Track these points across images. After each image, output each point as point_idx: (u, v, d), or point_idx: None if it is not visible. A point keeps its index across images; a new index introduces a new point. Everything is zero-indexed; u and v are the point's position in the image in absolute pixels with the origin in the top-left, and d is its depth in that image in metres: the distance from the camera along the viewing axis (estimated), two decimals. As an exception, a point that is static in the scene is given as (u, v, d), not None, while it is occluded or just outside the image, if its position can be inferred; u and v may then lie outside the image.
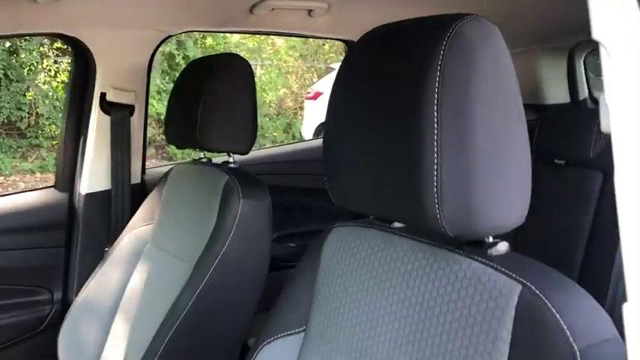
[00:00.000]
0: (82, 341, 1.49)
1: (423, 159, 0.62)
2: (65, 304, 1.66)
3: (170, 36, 1.69)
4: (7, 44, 6.08)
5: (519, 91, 0.67)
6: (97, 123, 1.67)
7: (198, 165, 1.50)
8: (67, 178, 1.71)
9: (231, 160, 1.41)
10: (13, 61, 6.35)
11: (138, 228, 1.56)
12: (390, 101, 0.68)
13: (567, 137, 1.58)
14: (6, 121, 6.32)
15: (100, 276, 1.53)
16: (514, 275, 0.64)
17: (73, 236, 1.70)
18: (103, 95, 1.64)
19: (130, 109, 1.69)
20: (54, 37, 1.56)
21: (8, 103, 6.27)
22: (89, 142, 1.68)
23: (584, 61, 2.38)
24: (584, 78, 2.37)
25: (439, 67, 0.62)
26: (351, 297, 0.81)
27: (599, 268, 1.45)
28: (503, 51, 0.65)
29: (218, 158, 1.52)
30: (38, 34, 1.54)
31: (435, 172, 0.62)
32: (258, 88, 6.76)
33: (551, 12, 1.73)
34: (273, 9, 1.63)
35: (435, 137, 0.62)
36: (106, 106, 1.65)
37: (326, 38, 2.80)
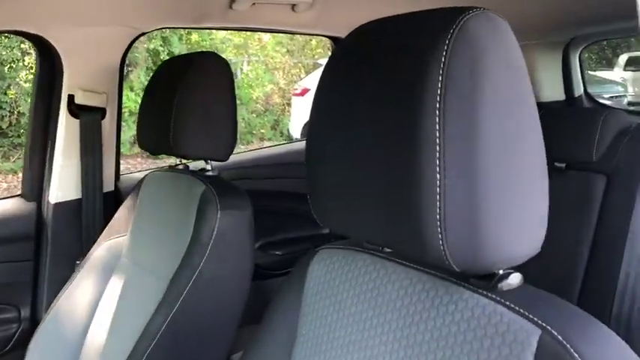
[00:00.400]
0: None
1: (423, 178, 0.52)
2: (34, 322, 1.55)
3: (143, 33, 1.58)
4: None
5: (533, 96, 0.57)
6: (66, 127, 1.55)
7: (174, 172, 1.39)
8: (35, 186, 1.59)
9: (208, 167, 1.31)
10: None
11: (111, 240, 1.45)
12: (383, 109, 0.58)
13: (568, 139, 1.49)
14: (-14, 120, 6.16)
15: (70, 292, 1.42)
16: (531, 316, 0.54)
17: (42, 249, 1.58)
18: (71, 97, 1.53)
19: (101, 111, 1.57)
20: (15, 34, 1.44)
21: (-11, 101, 6.10)
22: (57, 148, 1.57)
23: (579, 57, 2.30)
24: (580, 74, 2.29)
25: (442, 70, 0.52)
26: (339, 332, 0.71)
27: (603, 279, 1.36)
28: (516, 50, 0.55)
29: (197, 164, 1.41)
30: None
31: (438, 196, 0.52)
32: (245, 85, 6.66)
33: (546, 6, 1.64)
34: (253, 4, 1.52)
35: (438, 153, 0.51)
36: (75, 109, 1.54)
37: (310, 34, 2.70)
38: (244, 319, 1.25)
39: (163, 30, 7.24)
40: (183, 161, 1.41)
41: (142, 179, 1.46)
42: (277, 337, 0.81)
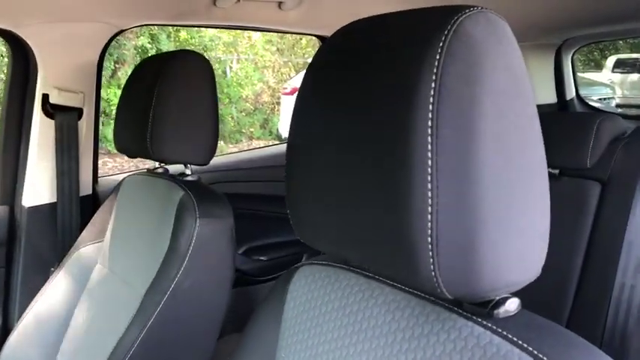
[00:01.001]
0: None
1: (413, 196, 0.47)
2: (5, 332, 1.48)
3: (122, 30, 1.51)
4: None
5: (535, 104, 0.52)
6: (40, 128, 1.48)
7: (152, 176, 1.32)
8: (8, 189, 1.52)
9: (188, 171, 1.24)
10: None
11: (87, 246, 1.39)
12: (368, 118, 0.52)
13: (562, 144, 1.44)
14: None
15: (44, 299, 1.36)
16: (530, 348, 0.49)
17: (15, 255, 1.51)
18: (45, 97, 1.46)
19: (77, 112, 1.51)
20: (-15, 31, 1.37)
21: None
22: (31, 150, 1.49)
23: (571, 60, 2.26)
24: (572, 77, 2.25)
25: (435, 74, 0.46)
26: (320, 358, 0.65)
27: (597, 289, 1.31)
28: (517, 54, 0.50)
29: (177, 166, 1.34)
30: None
31: (430, 216, 0.46)
32: (234, 83, 6.59)
33: (538, 7, 1.60)
34: (238, 1, 1.46)
35: (430, 168, 0.46)
36: (50, 109, 1.47)
37: (298, 33, 2.64)
38: (228, 327, 1.19)
39: (151, 27, 7.16)
40: (163, 164, 1.34)
41: (120, 182, 1.40)
42: (253, 355, 0.75)
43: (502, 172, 0.47)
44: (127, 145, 1.28)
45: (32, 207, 1.51)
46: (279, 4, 1.55)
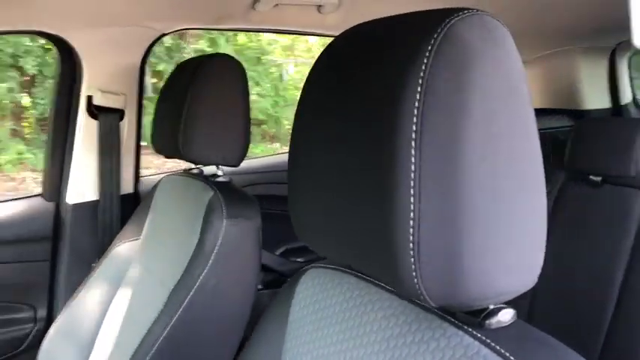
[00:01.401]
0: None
1: (395, 202, 0.46)
2: (49, 323, 1.54)
3: (164, 34, 1.55)
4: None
5: (533, 112, 0.49)
6: (84, 128, 1.54)
7: (187, 177, 1.35)
8: (54, 187, 1.59)
9: (219, 172, 1.27)
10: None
11: (124, 243, 1.44)
12: (360, 120, 0.52)
13: (606, 150, 1.37)
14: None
15: (83, 294, 1.42)
16: None
17: (59, 250, 1.58)
18: (90, 98, 1.52)
19: (119, 113, 1.56)
20: (36, 35, 1.44)
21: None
22: (76, 149, 1.56)
23: (628, 63, 2.15)
24: (628, 81, 2.15)
25: (422, 78, 0.45)
26: (321, 353, 0.65)
27: (638, 304, 1.25)
28: (514, 61, 0.48)
29: (211, 168, 1.37)
30: (18, 32, 1.42)
31: (412, 222, 0.45)
32: (290, 86, 6.66)
33: (589, 8, 1.53)
34: (277, 4, 1.47)
35: (412, 173, 0.45)
36: (94, 110, 1.53)
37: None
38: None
39: (210, 32, 7.32)
40: (199, 165, 1.37)
41: (158, 182, 1.44)
42: (260, 355, 0.76)
43: (489, 180, 0.45)
44: (162, 146, 1.31)
45: (76, 204, 1.57)
46: (318, 8, 1.55)
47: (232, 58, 1.24)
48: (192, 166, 1.37)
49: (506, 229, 0.47)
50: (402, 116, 0.46)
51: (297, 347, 0.69)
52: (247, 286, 1.15)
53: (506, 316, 0.51)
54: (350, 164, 0.52)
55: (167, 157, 1.34)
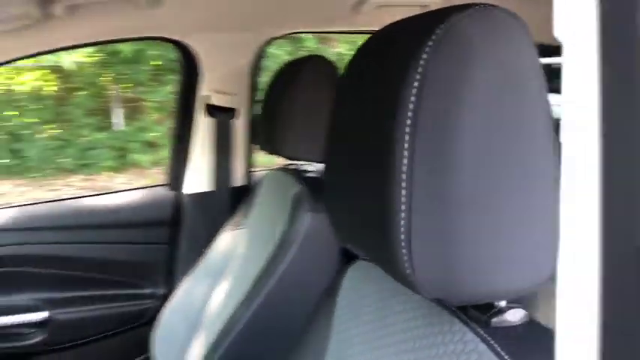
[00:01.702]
0: (172, 337, 1.52)
1: (389, 193, 0.48)
2: (166, 300, 1.71)
3: (273, 38, 1.65)
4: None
5: (543, 107, 0.48)
6: (201, 126, 1.69)
7: (284, 172, 1.44)
8: (175, 178, 1.76)
9: (311, 168, 1.33)
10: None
11: (231, 231, 1.55)
12: (370, 109, 0.54)
13: None
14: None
15: (195, 275, 1.56)
16: None
17: (177, 235, 1.74)
18: (206, 99, 1.66)
19: (232, 112, 1.68)
20: (160, 40, 1.61)
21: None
22: (194, 144, 1.71)
23: None
24: None
25: (419, 73, 0.47)
26: (358, 348, 0.68)
27: None
28: (519, 54, 0.47)
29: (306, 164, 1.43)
30: (144, 39, 1.59)
31: (403, 214, 0.47)
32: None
33: None
34: (380, 6, 1.50)
35: (405, 159, 0.47)
36: (210, 109, 1.67)
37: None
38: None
39: (351, 36, 7.47)
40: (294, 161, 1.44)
41: (263, 177, 1.54)
42: (312, 344, 0.80)
43: (482, 176, 0.46)
44: (262, 143, 1.40)
45: (193, 194, 1.73)
46: (422, 9, 1.56)
47: (327, 59, 1.30)
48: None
49: (501, 224, 0.47)
50: (399, 106, 0.47)
51: (341, 342, 0.72)
52: (328, 276, 1.20)
53: (515, 315, 0.51)
54: (364, 156, 0.55)
55: (267, 153, 1.44)
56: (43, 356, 1.63)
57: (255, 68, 1.69)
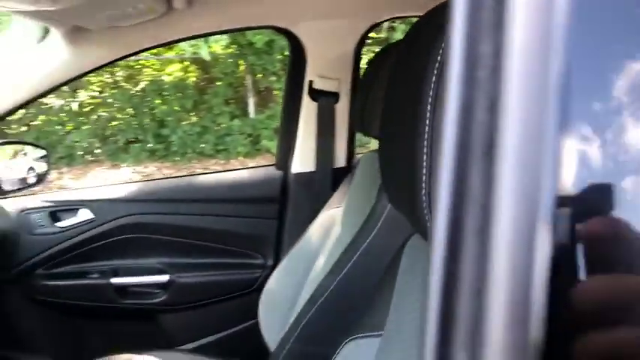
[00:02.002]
0: (276, 305, 1.65)
1: (414, 156, 0.54)
2: (274, 270, 1.85)
3: (376, 23, 1.71)
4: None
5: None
6: (306, 109, 1.80)
7: (375, 152, 1.50)
8: (283, 158, 1.89)
9: None
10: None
11: (331, 209, 1.65)
12: (410, 90, 0.60)
13: None
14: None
15: (297, 249, 1.67)
16: None
17: (285, 210, 1.87)
18: (311, 83, 1.76)
19: (335, 96, 1.77)
20: (268, 29, 1.73)
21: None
22: (300, 127, 1.83)
23: None
24: None
25: (439, 57, 0.52)
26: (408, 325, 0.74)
27: None
28: None
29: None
30: (253, 28, 1.72)
31: (424, 172, 0.53)
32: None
33: None
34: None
35: (426, 134, 0.53)
36: (314, 94, 1.77)
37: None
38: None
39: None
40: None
41: (360, 158, 1.62)
42: (377, 303, 0.86)
43: None
44: (356, 122, 1.48)
45: (298, 173, 1.85)
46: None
47: None
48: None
49: None
50: (423, 86, 0.53)
51: (400, 318, 0.78)
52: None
53: None
54: (400, 132, 0.61)
55: (364, 135, 1.51)
56: (163, 314, 1.85)
57: (358, 54, 1.76)
